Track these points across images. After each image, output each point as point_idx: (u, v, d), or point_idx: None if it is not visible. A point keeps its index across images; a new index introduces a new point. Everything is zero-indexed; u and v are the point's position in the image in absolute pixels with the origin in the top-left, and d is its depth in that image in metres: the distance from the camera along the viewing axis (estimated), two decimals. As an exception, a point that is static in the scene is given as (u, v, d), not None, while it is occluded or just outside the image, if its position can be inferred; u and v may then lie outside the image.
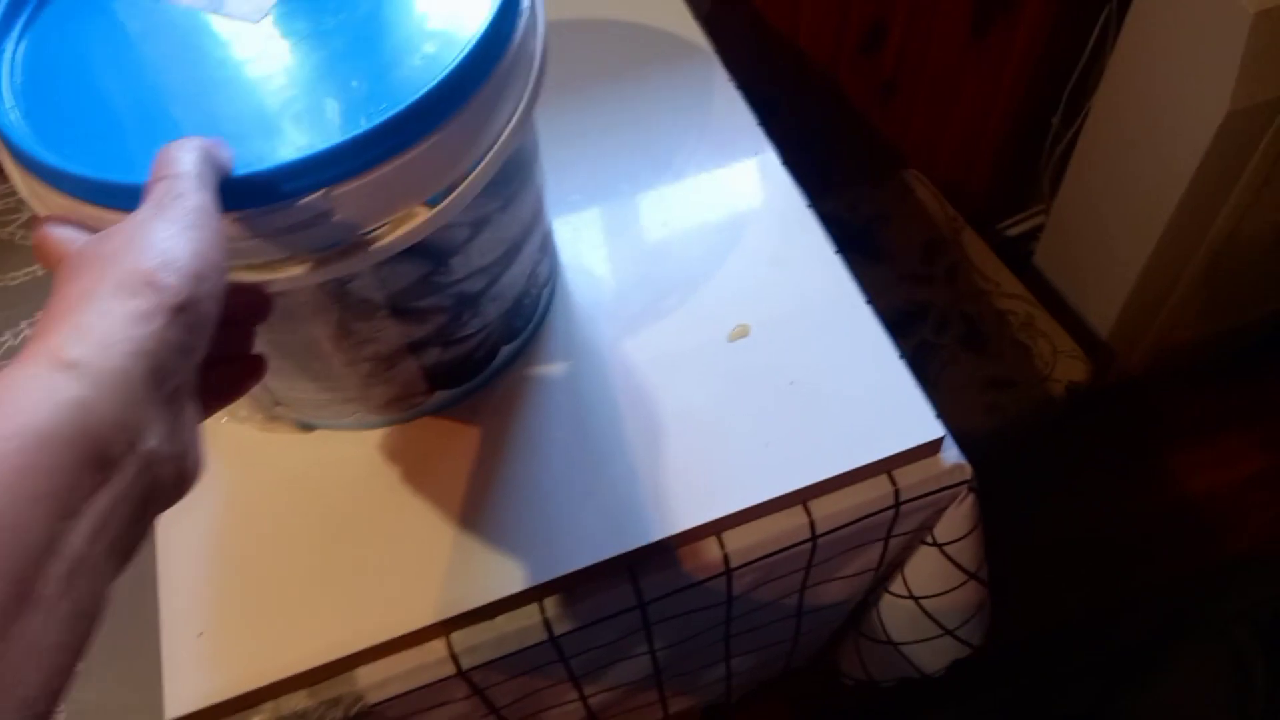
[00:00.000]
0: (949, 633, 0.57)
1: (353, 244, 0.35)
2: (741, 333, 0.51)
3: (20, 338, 0.56)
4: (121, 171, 0.31)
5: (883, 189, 1.15)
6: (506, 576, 0.44)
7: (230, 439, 0.49)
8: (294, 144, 0.34)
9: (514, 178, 0.43)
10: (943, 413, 0.48)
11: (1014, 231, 1.47)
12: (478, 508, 0.46)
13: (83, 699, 0.43)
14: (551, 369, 0.51)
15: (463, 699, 0.47)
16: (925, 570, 0.54)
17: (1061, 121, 1.36)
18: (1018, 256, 1.40)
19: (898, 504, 0.48)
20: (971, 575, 0.53)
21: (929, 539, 0.53)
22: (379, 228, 0.35)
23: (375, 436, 0.49)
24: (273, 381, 0.46)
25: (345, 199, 0.33)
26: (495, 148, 0.37)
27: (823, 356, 0.50)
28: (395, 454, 0.49)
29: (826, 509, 0.47)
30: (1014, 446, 0.91)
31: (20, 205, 0.62)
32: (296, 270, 0.34)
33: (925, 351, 0.96)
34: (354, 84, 0.35)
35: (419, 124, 0.34)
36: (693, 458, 0.47)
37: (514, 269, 0.46)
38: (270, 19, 0.38)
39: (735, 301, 0.52)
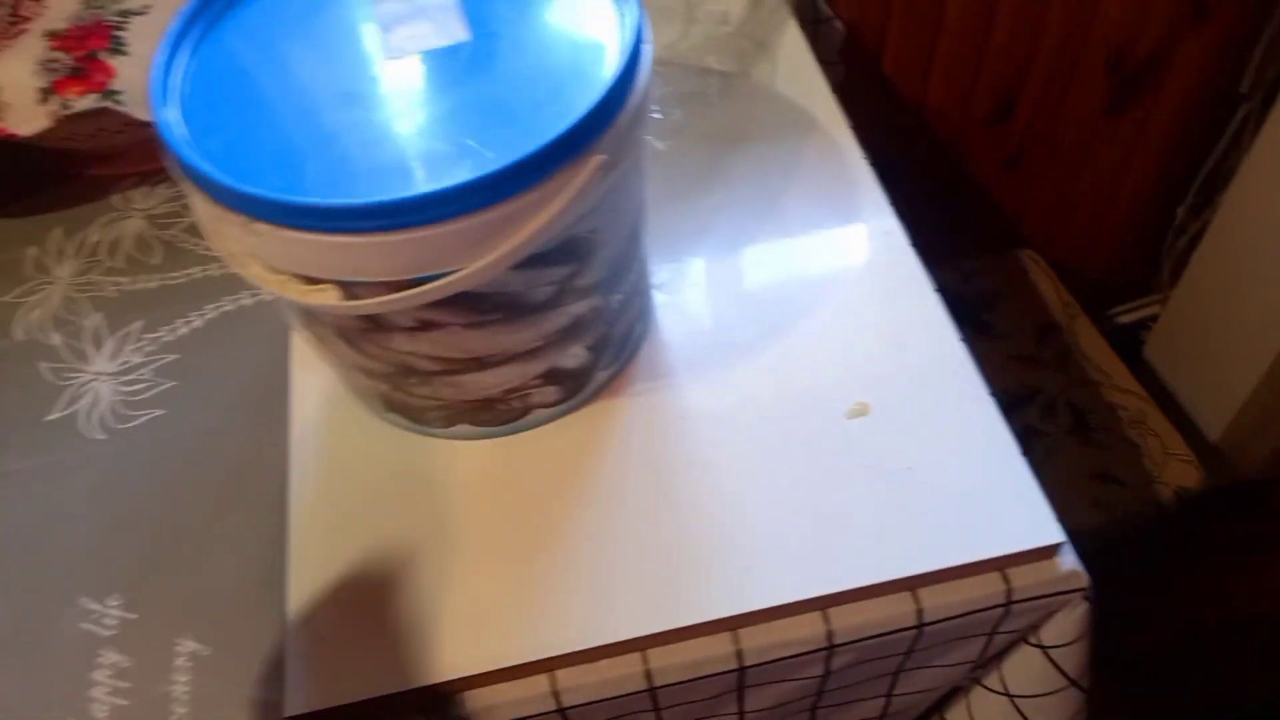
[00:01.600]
0: (1041, 736, 0.55)
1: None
2: (860, 411, 0.51)
3: (176, 334, 0.59)
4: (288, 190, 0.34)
5: (998, 265, 1.14)
6: (613, 622, 0.45)
7: (371, 443, 0.52)
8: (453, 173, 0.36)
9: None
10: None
11: (1127, 319, 1.43)
12: (585, 543, 0.48)
13: (222, 693, 0.45)
14: (643, 412, 0.52)
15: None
16: (1025, 670, 0.53)
17: (1188, 213, 1.33)
18: (1128, 345, 1.36)
19: (1009, 603, 0.48)
20: (1073, 682, 0.52)
21: (1033, 639, 0.52)
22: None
23: (489, 446, 0.51)
24: (400, 386, 0.48)
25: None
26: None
27: (942, 445, 0.50)
28: (501, 468, 0.50)
29: (936, 599, 0.47)
30: (1116, 544, 0.89)
31: (184, 210, 0.66)
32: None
33: (1030, 436, 0.94)
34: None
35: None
36: (804, 528, 0.48)
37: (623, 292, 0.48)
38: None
39: (853, 377, 0.52)
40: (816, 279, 0.57)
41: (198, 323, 0.60)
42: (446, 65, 0.41)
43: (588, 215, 0.40)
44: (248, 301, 0.61)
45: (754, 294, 0.56)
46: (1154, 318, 1.44)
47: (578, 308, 0.45)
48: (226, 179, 0.36)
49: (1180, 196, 1.31)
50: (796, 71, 0.68)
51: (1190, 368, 1.34)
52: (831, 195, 0.61)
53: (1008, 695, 0.55)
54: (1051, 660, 0.51)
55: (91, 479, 0.53)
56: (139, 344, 0.59)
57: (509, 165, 0.35)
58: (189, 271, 0.63)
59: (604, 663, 0.46)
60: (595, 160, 0.38)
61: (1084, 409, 0.97)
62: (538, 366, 0.47)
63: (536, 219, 0.37)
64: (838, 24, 0.87)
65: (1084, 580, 0.48)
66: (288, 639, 0.46)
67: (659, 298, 0.56)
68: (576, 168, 0.37)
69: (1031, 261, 1.13)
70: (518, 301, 0.43)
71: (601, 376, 0.52)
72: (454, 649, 0.45)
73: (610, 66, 0.40)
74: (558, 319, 0.45)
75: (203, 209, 0.38)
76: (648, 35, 0.41)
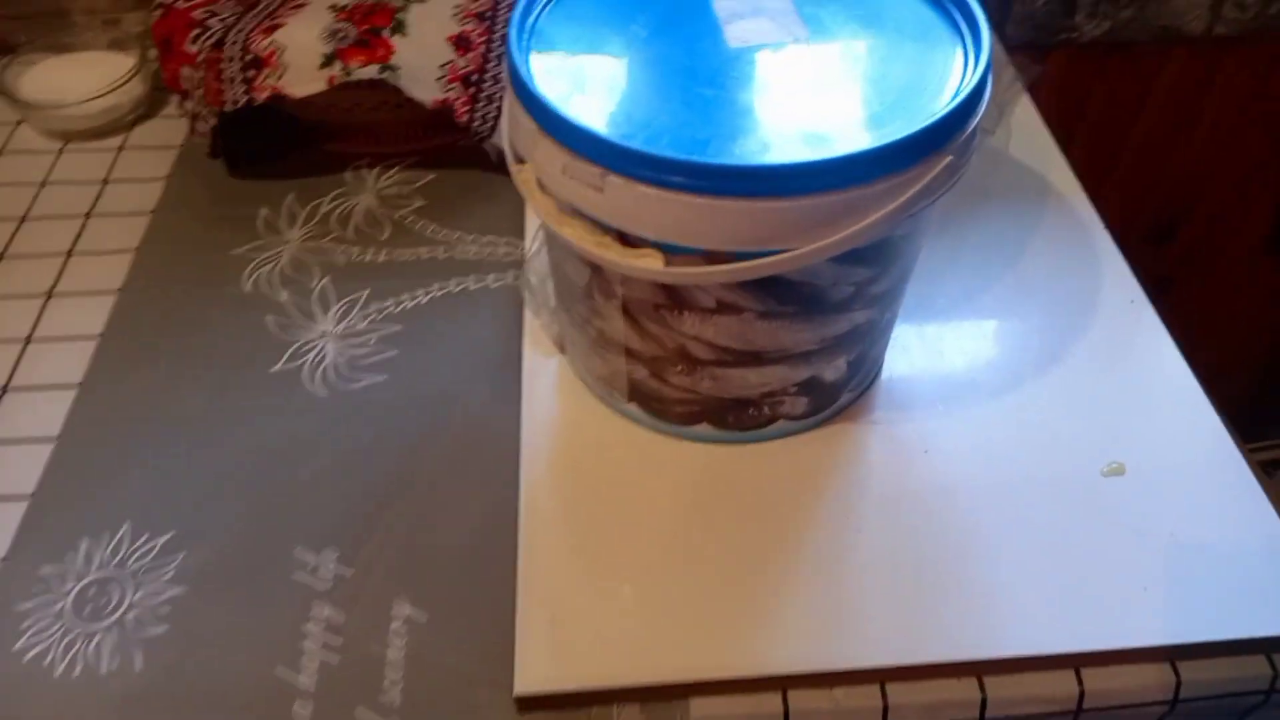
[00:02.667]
0: None
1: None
2: (1117, 470, 0.49)
3: (401, 307, 0.60)
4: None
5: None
6: (851, 648, 0.43)
7: (605, 432, 0.51)
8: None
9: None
10: None
11: (1261, 457, 1.39)
12: (823, 562, 0.46)
13: (438, 662, 0.44)
14: (883, 440, 0.50)
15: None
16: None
17: (1333, 360, 1.30)
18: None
19: (1270, 690, 0.45)
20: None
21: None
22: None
23: (725, 452, 0.50)
24: (661, 373, 0.48)
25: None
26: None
27: (1204, 514, 0.48)
28: (738, 474, 0.49)
29: (1192, 674, 0.44)
30: None
31: (413, 194, 0.67)
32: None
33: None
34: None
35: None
36: (1058, 581, 0.45)
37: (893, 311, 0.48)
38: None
39: (1105, 434, 0.51)
40: (1058, 333, 0.56)
41: (423, 299, 0.60)
42: (791, 59, 0.42)
43: (908, 220, 0.40)
44: (472, 285, 0.61)
45: (994, 339, 0.56)
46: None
47: (860, 315, 0.45)
48: (591, 130, 0.37)
49: (1327, 341, 1.29)
50: (1032, 138, 0.68)
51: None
52: (1071, 257, 0.60)
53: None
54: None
55: (314, 429, 0.53)
56: (365, 310, 0.60)
57: (879, 147, 0.36)
58: (416, 251, 0.63)
59: (840, 690, 0.44)
60: (945, 160, 0.38)
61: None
62: (802, 373, 0.47)
63: (884, 208, 0.37)
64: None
65: (1349, 679, 0.45)
66: (519, 617, 0.44)
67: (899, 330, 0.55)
68: (930, 164, 0.37)
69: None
70: (818, 297, 0.42)
71: (847, 397, 0.51)
72: (685, 650, 0.44)
73: (958, 76, 0.40)
74: (841, 324, 0.45)
75: (547, 157, 0.39)
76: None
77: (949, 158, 0.38)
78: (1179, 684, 0.44)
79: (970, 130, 0.39)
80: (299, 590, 0.47)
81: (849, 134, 0.38)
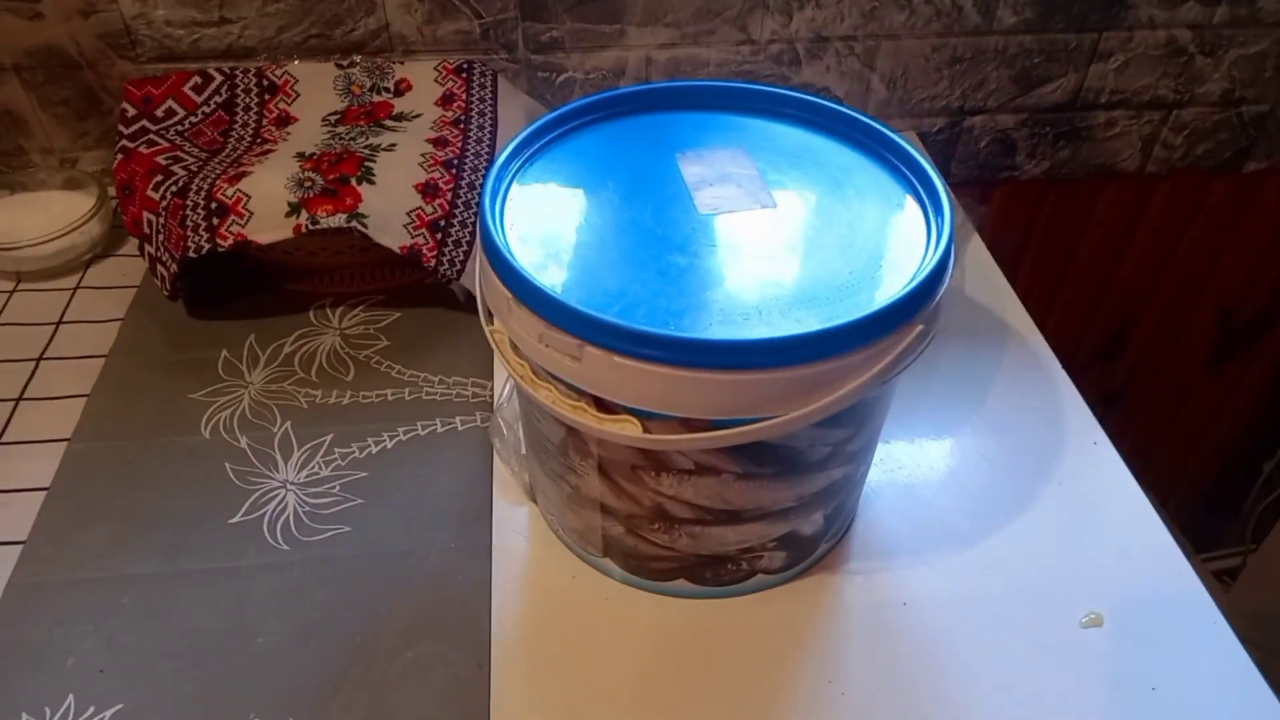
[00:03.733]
0: None
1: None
2: (1096, 621, 0.49)
3: (366, 452, 0.59)
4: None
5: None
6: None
7: (579, 588, 0.50)
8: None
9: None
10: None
11: (1214, 567, 1.41)
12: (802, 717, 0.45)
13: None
14: (861, 592, 0.50)
15: None
16: None
17: (1276, 469, 1.34)
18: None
19: None
20: None
21: None
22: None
23: (703, 607, 0.49)
24: (638, 530, 0.47)
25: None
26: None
27: (1185, 667, 0.48)
28: (717, 630, 0.48)
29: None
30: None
31: (377, 333, 0.67)
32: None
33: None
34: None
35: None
36: (1043, 741, 0.45)
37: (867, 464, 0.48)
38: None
39: (1082, 583, 0.51)
40: (1027, 476, 0.56)
41: (388, 443, 0.59)
42: (760, 225, 0.43)
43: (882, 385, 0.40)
44: (440, 428, 0.60)
45: (965, 484, 0.56)
46: (1231, 570, 1.42)
47: (838, 472, 0.45)
48: (569, 300, 0.37)
49: (1270, 452, 1.32)
50: (984, 278, 0.70)
51: (1269, 628, 1.30)
52: (1034, 398, 0.61)
53: None
54: None
55: (273, 588, 0.51)
56: (328, 457, 0.58)
57: (852, 321, 0.36)
58: (381, 392, 0.63)
59: None
60: (917, 329, 0.38)
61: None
62: (781, 529, 0.46)
63: (860, 377, 0.38)
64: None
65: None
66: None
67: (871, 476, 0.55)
68: (903, 333, 0.38)
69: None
70: (796, 458, 0.42)
71: (824, 548, 0.51)
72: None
73: (921, 244, 0.41)
74: (819, 481, 0.44)
75: (522, 324, 0.39)
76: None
77: (920, 326, 0.39)
78: None
79: (939, 298, 0.40)
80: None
81: (821, 305, 0.39)
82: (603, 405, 0.40)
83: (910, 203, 0.44)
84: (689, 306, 0.38)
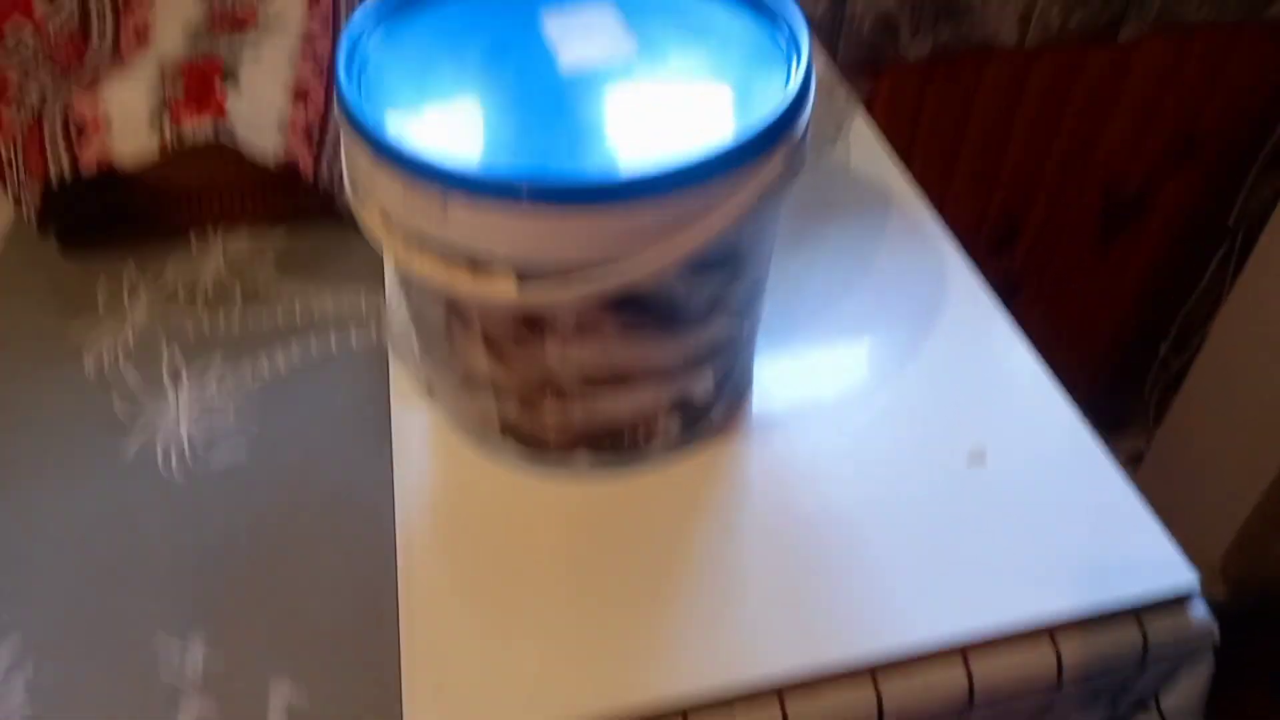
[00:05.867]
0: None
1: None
2: (979, 456, 0.51)
3: (259, 375, 0.57)
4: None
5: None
6: (749, 664, 0.43)
7: (481, 478, 0.50)
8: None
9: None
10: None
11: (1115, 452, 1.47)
12: (712, 583, 0.46)
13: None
14: (759, 455, 0.51)
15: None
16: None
17: (1171, 349, 1.40)
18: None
19: (1145, 655, 0.46)
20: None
21: (1152, 704, 0.51)
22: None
23: (605, 483, 0.50)
24: (532, 405, 0.47)
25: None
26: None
27: (1067, 492, 0.50)
28: (620, 503, 0.49)
29: (1074, 647, 0.46)
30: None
31: (263, 254, 0.65)
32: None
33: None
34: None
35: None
36: (937, 573, 0.46)
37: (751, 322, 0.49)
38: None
39: (966, 424, 0.53)
40: (913, 332, 0.58)
41: (280, 363, 0.58)
42: (623, 74, 0.42)
43: (750, 223, 0.40)
44: (333, 342, 0.59)
45: (855, 344, 0.57)
46: (1138, 454, 1.48)
47: (720, 326, 0.45)
48: (428, 155, 0.36)
49: (1164, 333, 1.38)
50: (870, 153, 0.71)
51: (1179, 505, 1.36)
52: (917, 259, 0.63)
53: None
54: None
55: (169, 518, 0.50)
56: (221, 382, 0.57)
57: (713, 150, 0.36)
58: (271, 312, 0.61)
59: (741, 712, 0.43)
60: (778, 159, 0.39)
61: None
62: (671, 391, 0.47)
63: (724, 208, 0.38)
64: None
65: (1214, 633, 0.47)
66: (404, 686, 0.42)
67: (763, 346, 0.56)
68: (764, 163, 0.38)
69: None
70: (675, 309, 0.43)
71: (719, 415, 0.51)
72: (581, 691, 0.42)
73: (781, 81, 0.41)
74: (703, 336, 0.45)
75: (386, 188, 0.38)
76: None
77: (780, 159, 0.39)
78: (1060, 663, 0.45)
79: (799, 132, 0.40)
80: (167, 683, 0.43)
81: (685, 142, 0.39)
82: (477, 267, 0.39)
83: (773, 47, 0.44)
84: (551, 153, 0.38)
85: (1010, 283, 1.23)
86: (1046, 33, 0.94)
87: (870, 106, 0.95)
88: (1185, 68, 1.02)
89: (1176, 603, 0.47)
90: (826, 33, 0.89)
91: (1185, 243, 1.24)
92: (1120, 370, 1.43)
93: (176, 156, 0.58)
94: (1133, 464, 1.47)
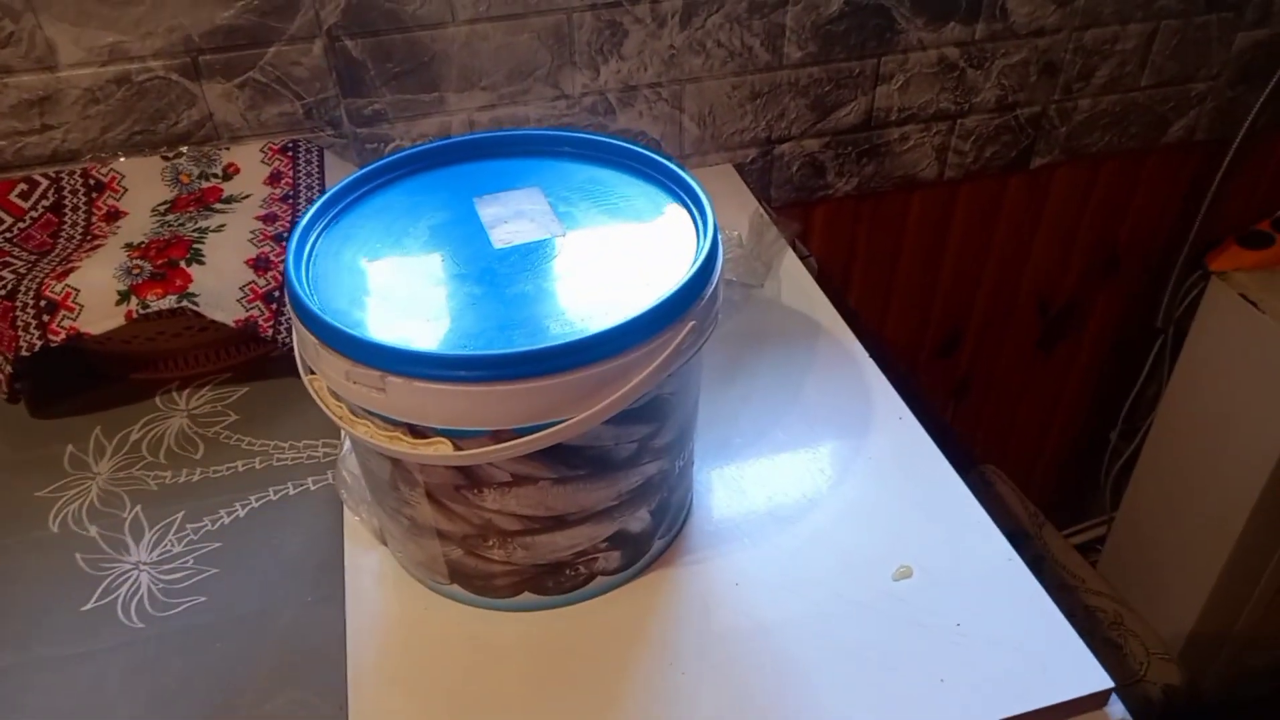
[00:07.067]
0: None
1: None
2: (905, 574, 0.54)
3: (219, 524, 0.60)
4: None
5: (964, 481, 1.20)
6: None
7: (431, 617, 0.52)
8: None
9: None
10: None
11: (1077, 540, 1.50)
12: (653, 711, 0.48)
13: None
14: (698, 579, 0.54)
15: None
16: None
17: (1120, 438, 1.44)
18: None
19: (1069, 756, 0.49)
20: None
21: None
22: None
23: (551, 617, 0.52)
24: (475, 549, 0.50)
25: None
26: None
27: (985, 603, 0.53)
28: (566, 637, 0.51)
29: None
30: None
31: (226, 410, 0.68)
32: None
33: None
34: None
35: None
36: (865, 686, 0.49)
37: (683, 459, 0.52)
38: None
39: (893, 543, 0.56)
40: (843, 457, 0.62)
41: (240, 512, 0.61)
42: (549, 253, 0.47)
43: (671, 377, 0.45)
44: (292, 491, 0.62)
45: (787, 470, 0.61)
46: (1100, 540, 1.52)
47: (650, 468, 0.49)
48: (368, 335, 0.40)
49: (1113, 423, 1.43)
50: (799, 287, 0.76)
51: (1141, 588, 1.39)
52: (845, 387, 0.67)
53: None
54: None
55: (129, 664, 0.52)
56: (180, 533, 0.59)
57: (627, 321, 0.40)
58: (231, 465, 0.64)
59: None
60: (689, 324, 0.43)
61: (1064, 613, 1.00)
62: (608, 528, 0.50)
63: (641, 372, 0.42)
64: (813, 261, 0.98)
65: (1133, 733, 0.50)
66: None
67: (700, 475, 0.60)
68: (675, 330, 0.43)
69: (995, 476, 1.20)
70: (605, 457, 0.46)
71: (659, 545, 0.54)
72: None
73: (693, 252, 0.46)
74: (634, 477, 0.48)
75: (331, 366, 0.42)
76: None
77: (692, 322, 0.43)
78: (989, 766, 0.48)
79: (709, 296, 0.44)
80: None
81: (604, 314, 0.43)
82: (416, 432, 0.43)
83: (680, 215, 0.49)
84: (484, 330, 0.42)
85: (959, 383, 1.28)
86: (963, 167, 1.01)
87: (806, 238, 1.01)
88: (1097, 192, 1.10)
89: (1096, 700, 0.49)
90: (759, 176, 0.95)
91: (1120, 346, 1.30)
92: (1075, 461, 1.47)
93: (142, 325, 0.62)
94: (1094, 552, 1.50)
